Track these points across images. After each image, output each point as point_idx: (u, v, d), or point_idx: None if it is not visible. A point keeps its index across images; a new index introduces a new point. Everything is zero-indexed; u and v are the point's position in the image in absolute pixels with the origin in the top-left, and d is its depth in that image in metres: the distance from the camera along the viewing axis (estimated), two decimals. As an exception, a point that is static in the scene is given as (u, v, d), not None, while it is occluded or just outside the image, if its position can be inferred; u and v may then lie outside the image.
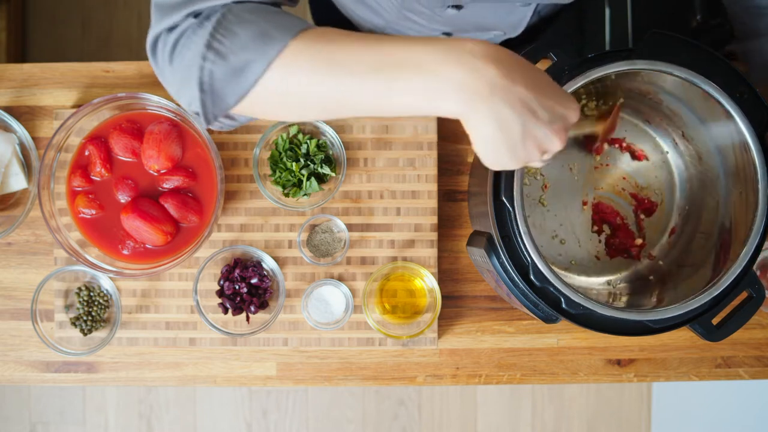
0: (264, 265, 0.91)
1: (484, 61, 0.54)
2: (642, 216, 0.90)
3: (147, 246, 0.88)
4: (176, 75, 0.61)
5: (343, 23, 1.08)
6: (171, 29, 0.61)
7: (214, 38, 0.58)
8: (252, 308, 0.90)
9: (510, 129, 0.55)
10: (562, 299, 0.72)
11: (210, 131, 0.91)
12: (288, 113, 0.63)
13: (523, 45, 1.03)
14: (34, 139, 0.94)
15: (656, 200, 0.90)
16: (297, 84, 0.58)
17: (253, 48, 0.57)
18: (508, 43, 0.97)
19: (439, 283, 0.91)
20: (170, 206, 0.87)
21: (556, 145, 0.58)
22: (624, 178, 0.90)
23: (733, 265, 0.73)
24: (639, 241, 0.89)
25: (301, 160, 0.90)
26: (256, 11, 0.60)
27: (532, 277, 0.72)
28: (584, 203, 0.90)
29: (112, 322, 0.93)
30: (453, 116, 0.56)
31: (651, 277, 0.87)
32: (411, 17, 0.86)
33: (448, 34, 0.89)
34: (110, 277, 0.91)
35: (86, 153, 0.89)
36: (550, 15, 0.97)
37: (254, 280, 0.91)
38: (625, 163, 0.90)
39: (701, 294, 0.72)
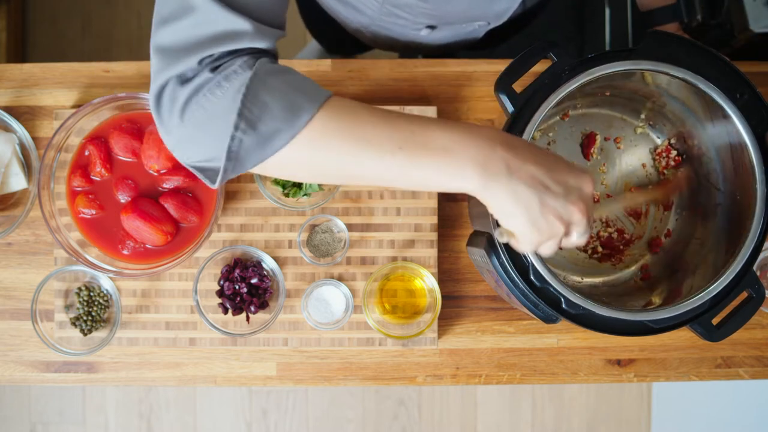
0: (264, 265, 0.91)
1: (498, 144, 0.59)
2: (632, 220, 0.90)
3: (147, 246, 0.88)
4: (185, 131, 0.59)
5: (330, 22, 1.08)
6: (183, 81, 0.58)
7: (245, 107, 0.57)
8: (252, 308, 0.90)
9: (527, 203, 0.59)
10: (562, 299, 0.72)
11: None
12: (300, 177, 0.63)
13: (507, 36, 1.03)
14: (34, 139, 0.94)
15: (648, 205, 0.90)
16: (319, 156, 0.59)
17: (281, 118, 0.58)
18: (492, 33, 0.97)
19: (439, 283, 0.91)
20: (170, 206, 0.87)
21: (575, 216, 0.60)
22: (625, 182, 0.90)
23: (733, 265, 0.73)
24: (622, 247, 0.89)
25: (301, 160, 0.90)
26: (279, 76, 0.59)
27: (532, 277, 0.72)
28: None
29: (112, 322, 0.93)
30: (472, 194, 0.60)
31: (648, 280, 0.87)
32: (395, 12, 0.86)
33: (432, 27, 0.90)
34: (110, 277, 0.91)
35: (86, 153, 0.89)
36: (534, 6, 0.97)
37: (254, 280, 0.91)
38: (624, 165, 0.90)
39: (701, 294, 0.72)
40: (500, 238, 0.64)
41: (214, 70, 0.58)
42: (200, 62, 0.58)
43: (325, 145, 0.58)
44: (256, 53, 0.60)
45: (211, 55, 0.58)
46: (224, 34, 0.58)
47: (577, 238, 0.63)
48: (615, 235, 0.89)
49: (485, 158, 0.58)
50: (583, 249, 0.90)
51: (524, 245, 0.62)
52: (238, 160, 0.59)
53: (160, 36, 0.59)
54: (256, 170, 0.61)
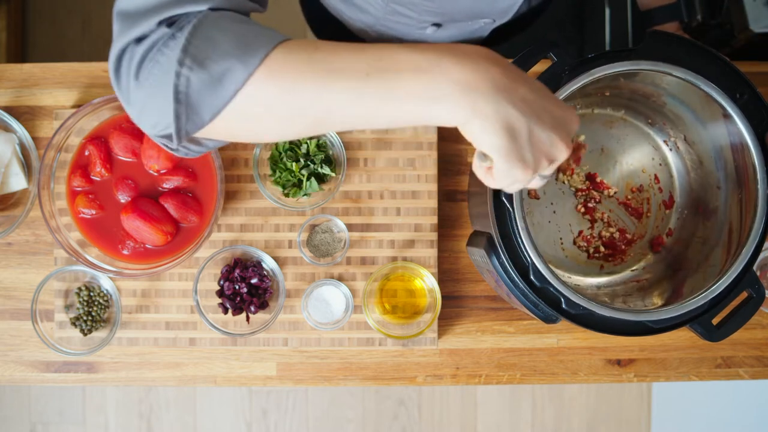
0: (264, 265, 0.91)
1: (484, 60, 0.52)
2: (634, 220, 0.90)
3: (147, 246, 0.88)
4: (142, 91, 0.55)
5: (333, 22, 1.08)
6: (139, 40, 0.55)
7: (190, 43, 0.53)
8: (252, 308, 0.90)
9: (517, 131, 0.51)
10: (562, 299, 0.72)
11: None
12: (268, 130, 0.56)
13: (513, 34, 1.03)
14: (34, 139, 0.94)
15: (650, 205, 0.90)
16: (280, 94, 0.53)
17: (233, 55, 0.52)
18: (497, 32, 0.97)
19: (439, 283, 0.91)
20: (170, 206, 0.87)
21: (561, 151, 0.54)
22: (626, 181, 0.90)
23: (733, 265, 0.73)
24: (623, 247, 0.89)
25: (301, 160, 0.90)
26: (234, 20, 0.55)
27: (532, 277, 0.72)
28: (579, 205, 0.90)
29: (112, 322, 0.93)
30: (453, 122, 0.52)
31: (648, 280, 0.87)
32: (400, 10, 0.86)
33: (437, 25, 0.89)
34: (110, 277, 0.91)
35: (86, 153, 0.89)
36: (539, 4, 0.97)
37: (254, 280, 0.91)
38: (625, 165, 0.90)
39: (701, 294, 0.72)
40: (478, 168, 0.56)
41: (170, 25, 0.54)
42: (159, 23, 0.54)
43: (284, 82, 0.52)
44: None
45: (171, 16, 0.54)
46: None
47: (540, 179, 0.57)
48: (617, 235, 0.89)
49: (469, 77, 0.50)
50: (585, 249, 0.90)
51: (501, 179, 0.55)
52: (190, 105, 0.53)
53: (122, 0, 0.56)
54: (217, 129, 0.56)
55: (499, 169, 0.54)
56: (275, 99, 0.53)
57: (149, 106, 0.55)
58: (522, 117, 0.51)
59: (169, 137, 0.56)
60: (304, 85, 0.52)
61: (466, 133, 0.52)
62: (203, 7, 0.55)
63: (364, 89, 0.52)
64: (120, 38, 0.55)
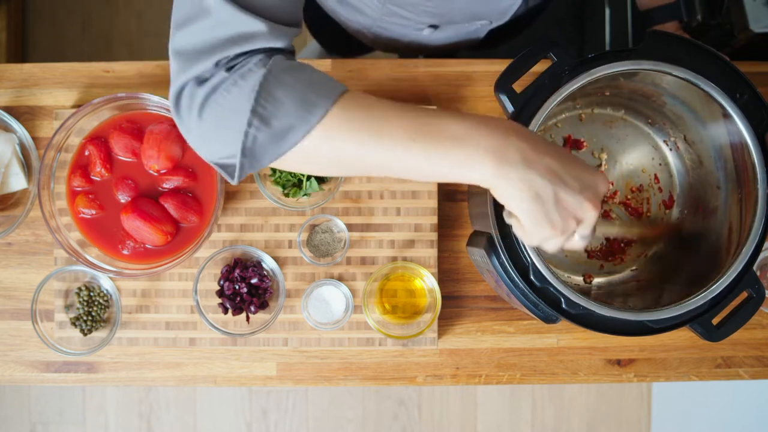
0: (264, 265, 0.91)
1: (514, 134, 0.58)
2: (634, 220, 0.90)
3: (147, 246, 0.88)
4: (204, 129, 0.61)
5: (331, 23, 1.08)
6: (200, 82, 0.60)
7: (258, 104, 0.58)
8: (252, 308, 0.90)
9: (542, 196, 0.57)
10: (562, 299, 0.72)
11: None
12: (315, 171, 0.64)
13: (509, 36, 1.03)
14: (34, 139, 0.94)
15: (650, 205, 0.90)
16: (333, 149, 0.59)
17: (295, 115, 0.58)
18: (494, 33, 0.97)
19: (439, 283, 0.90)
20: (170, 206, 0.87)
21: (589, 213, 0.59)
22: (626, 181, 0.90)
23: (733, 265, 0.73)
24: (623, 246, 0.89)
25: (301, 160, 0.90)
26: (293, 72, 0.60)
27: (532, 277, 0.72)
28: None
29: (112, 322, 0.93)
30: (485, 185, 0.58)
31: (648, 279, 0.87)
32: (397, 11, 0.86)
33: (434, 26, 0.89)
34: (110, 277, 0.91)
35: (86, 153, 0.89)
36: (537, 5, 0.97)
37: (254, 280, 0.91)
38: (625, 165, 0.90)
39: (701, 294, 0.72)
40: (507, 219, 0.63)
41: (229, 69, 0.59)
42: (216, 64, 0.59)
43: (338, 140, 0.59)
44: (271, 51, 0.61)
45: (227, 57, 0.59)
46: (239, 36, 0.59)
47: (580, 239, 0.62)
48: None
49: (500, 147, 0.57)
50: (585, 248, 0.90)
51: (532, 238, 0.61)
52: (253, 157, 0.60)
53: (177, 39, 0.61)
54: (274, 165, 0.62)
55: (527, 229, 0.60)
56: (327, 153, 0.60)
57: (211, 142, 0.61)
58: (548, 184, 0.57)
59: (225, 168, 0.63)
60: (354, 144, 0.59)
61: (497, 196, 0.59)
62: (255, 46, 0.60)
63: (408, 152, 0.58)
64: (179, 76, 0.61)
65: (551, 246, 0.62)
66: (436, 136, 0.58)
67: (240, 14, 0.58)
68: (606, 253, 0.89)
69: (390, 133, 0.58)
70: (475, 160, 0.57)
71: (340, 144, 0.59)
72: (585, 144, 0.90)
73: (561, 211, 0.59)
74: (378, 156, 0.59)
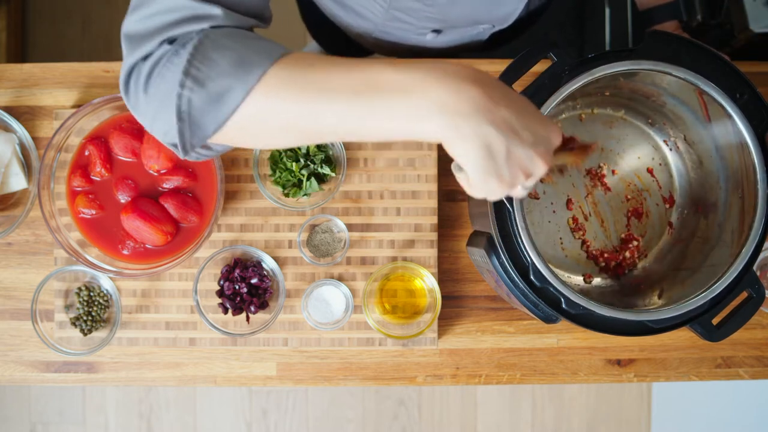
0: (264, 265, 0.91)
1: (467, 82, 0.54)
2: (634, 220, 0.90)
3: (147, 246, 0.88)
4: (151, 105, 0.59)
5: (331, 26, 1.08)
6: (145, 58, 0.58)
7: (191, 65, 0.56)
8: (252, 308, 0.90)
9: (495, 150, 0.54)
10: (562, 299, 0.72)
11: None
12: (267, 141, 0.60)
13: (511, 38, 1.03)
14: (34, 139, 0.94)
15: (649, 205, 0.90)
16: (276, 110, 0.56)
17: (232, 74, 0.56)
18: (496, 36, 0.97)
19: (439, 283, 0.90)
20: (170, 206, 0.87)
21: (540, 167, 0.57)
22: (626, 181, 0.90)
23: (733, 265, 0.73)
24: (607, 254, 0.89)
25: (301, 160, 0.90)
26: (234, 36, 0.58)
27: (532, 277, 0.72)
28: (578, 205, 0.90)
29: (112, 322, 0.93)
30: (435, 140, 0.55)
31: (648, 279, 0.87)
32: (400, 17, 0.86)
33: (437, 31, 0.89)
34: (110, 277, 0.91)
35: (86, 153, 0.89)
36: (538, 8, 0.97)
37: (254, 280, 0.91)
38: (625, 164, 0.90)
39: (701, 294, 0.72)
40: (455, 172, 0.59)
41: (172, 42, 0.58)
42: (161, 42, 0.58)
43: (279, 101, 0.56)
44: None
45: (173, 36, 0.58)
46: (190, 17, 0.57)
47: (522, 190, 0.60)
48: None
49: (451, 98, 0.53)
50: (585, 249, 0.90)
51: (477, 191, 0.58)
52: (193, 122, 0.57)
53: (128, 22, 0.59)
54: (222, 139, 0.59)
55: (474, 182, 0.57)
56: (271, 115, 0.56)
57: (158, 118, 0.59)
58: (500, 136, 0.54)
59: (175, 146, 0.60)
60: (297, 103, 0.55)
61: (447, 149, 0.55)
62: (204, 26, 0.58)
63: (351, 108, 0.55)
64: (128, 58, 0.59)
65: (494, 197, 0.59)
66: (381, 89, 0.54)
67: (193, 2, 0.57)
68: (614, 268, 0.89)
69: (333, 88, 0.55)
70: (424, 112, 0.53)
71: (282, 105, 0.56)
72: None
73: (511, 166, 0.55)
74: (322, 115, 0.55)
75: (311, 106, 0.55)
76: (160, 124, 0.59)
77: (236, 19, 0.59)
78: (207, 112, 0.57)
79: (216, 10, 0.57)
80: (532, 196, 0.89)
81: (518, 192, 0.59)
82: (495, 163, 0.55)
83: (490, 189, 0.57)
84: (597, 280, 0.89)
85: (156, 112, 0.59)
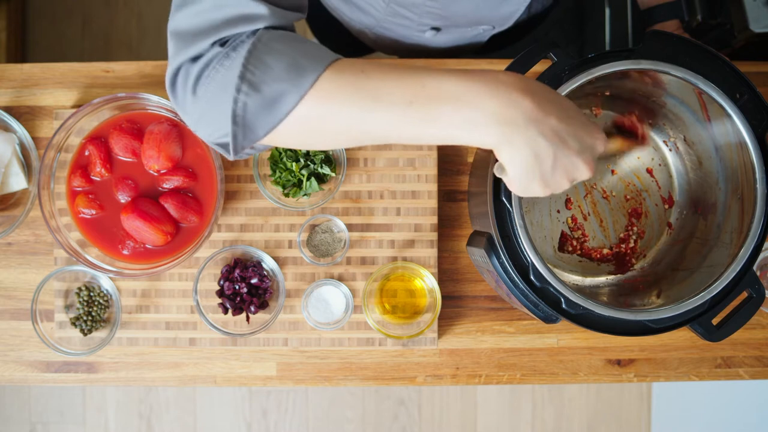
0: (264, 265, 0.91)
1: (519, 93, 0.56)
2: (633, 219, 0.90)
3: (147, 246, 0.88)
4: (199, 106, 0.60)
5: (333, 23, 1.08)
6: (194, 59, 0.59)
7: (247, 69, 0.57)
8: (252, 308, 0.90)
9: (543, 158, 0.57)
10: (562, 299, 0.72)
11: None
12: (316, 143, 0.62)
13: (511, 41, 1.03)
14: (34, 139, 0.94)
15: (648, 205, 0.90)
16: (329, 116, 0.57)
17: (286, 79, 0.56)
18: (496, 39, 0.97)
19: (439, 283, 0.91)
20: (170, 206, 0.87)
21: (584, 174, 0.60)
22: (625, 182, 0.90)
23: (733, 265, 0.73)
24: (606, 251, 0.89)
25: (301, 160, 0.90)
26: (285, 40, 0.59)
27: (532, 277, 0.72)
28: (576, 205, 0.90)
29: (112, 322, 0.93)
30: (488, 147, 0.57)
31: (647, 279, 0.87)
32: (401, 12, 0.86)
33: (437, 29, 0.89)
34: (110, 277, 0.91)
35: (86, 153, 0.89)
36: (539, 12, 0.97)
37: (254, 280, 0.91)
38: (625, 164, 0.90)
39: (701, 294, 0.72)
40: (498, 173, 0.62)
41: (223, 44, 0.58)
42: (213, 43, 0.58)
43: (333, 105, 0.57)
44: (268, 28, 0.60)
45: (224, 37, 0.58)
46: (238, 17, 0.58)
47: (561, 191, 0.62)
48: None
49: (503, 108, 0.55)
50: (595, 256, 0.90)
51: (521, 192, 0.61)
52: (246, 126, 0.58)
53: (176, 20, 0.60)
54: (270, 141, 0.60)
55: (518, 185, 0.60)
56: (324, 120, 0.58)
57: (206, 119, 0.60)
58: (549, 145, 0.57)
59: (224, 146, 0.61)
60: (350, 109, 0.57)
61: (496, 154, 0.58)
62: (255, 27, 0.58)
63: (406, 116, 0.56)
64: (176, 57, 0.59)
65: (533, 194, 0.61)
66: (435, 98, 0.56)
67: None
68: (618, 263, 0.89)
69: (387, 95, 0.56)
70: (477, 122, 0.55)
71: (336, 110, 0.57)
72: None
73: (557, 173, 0.58)
74: (375, 121, 0.57)
75: (364, 113, 0.57)
76: (209, 125, 0.60)
77: (281, 15, 0.60)
78: (261, 116, 0.58)
79: (262, 9, 0.58)
80: None
81: (558, 193, 0.62)
82: (541, 170, 0.58)
83: (533, 190, 0.60)
84: (597, 280, 0.89)
85: (203, 113, 0.59)
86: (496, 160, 0.61)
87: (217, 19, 0.58)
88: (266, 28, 0.59)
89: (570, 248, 0.89)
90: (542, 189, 0.60)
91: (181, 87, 0.60)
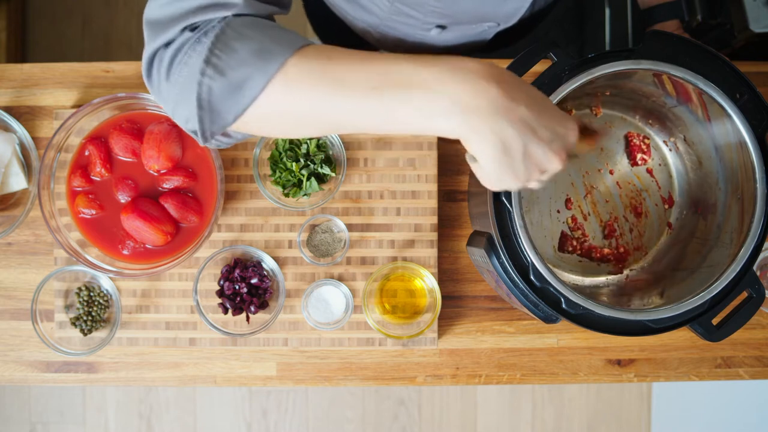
0: (264, 265, 0.91)
1: (486, 80, 0.54)
2: (633, 219, 0.90)
3: (147, 246, 0.88)
4: (173, 91, 0.59)
5: (336, 22, 1.08)
6: (167, 45, 0.59)
7: (212, 53, 0.57)
8: (252, 308, 0.90)
9: (511, 148, 0.55)
10: (562, 299, 0.72)
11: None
12: (285, 130, 0.61)
13: (515, 38, 1.03)
14: (34, 139, 0.94)
15: (648, 205, 0.90)
16: (295, 101, 0.57)
17: (252, 64, 0.56)
18: (500, 36, 0.97)
19: (439, 283, 0.91)
20: (170, 206, 0.87)
21: (555, 164, 0.58)
22: (625, 181, 0.90)
23: (733, 265, 0.73)
24: (606, 250, 0.89)
25: (301, 160, 0.90)
26: (255, 26, 0.59)
27: (532, 277, 0.72)
28: (574, 206, 0.90)
29: (112, 322, 0.93)
30: (453, 136, 0.55)
31: (647, 279, 0.87)
32: (405, 11, 0.86)
33: (442, 27, 0.89)
34: (110, 277, 0.91)
35: (86, 153, 0.89)
36: (543, 8, 0.97)
37: (254, 280, 0.91)
38: (624, 164, 0.90)
39: (701, 294, 0.72)
40: (470, 162, 0.61)
41: (194, 29, 0.59)
42: (183, 29, 0.58)
43: (299, 92, 0.56)
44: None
45: (195, 23, 0.58)
46: (210, 4, 0.58)
47: (536, 183, 0.61)
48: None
49: (469, 95, 0.53)
50: (594, 255, 0.90)
51: (492, 184, 0.60)
52: (212, 110, 0.58)
53: (150, 9, 0.60)
54: (242, 128, 0.60)
55: (490, 176, 0.58)
56: (290, 105, 0.57)
57: (180, 105, 0.60)
58: (518, 135, 0.55)
59: (195, 133, 0.61)
60: (316, 94, 0.56)
61: (464, 144, 0.56)
62: (226, 13, 0.58)
63: (370, 102, 0.55)
64: (150, 44, 0.60)
65: (507, 188, 0.60)
66: (400, 84, 0.55)
67: None
68: (617, 259, 0.89)
69: (351, 81, 0.55)
70: (442, 109, 0.54)
71: (301, 96, 0.56)
72: None
73: (527, 163, 0.57)
74: (340, 108, 0.56)
75: (329, 99, 0.56)
76: (182, 111, 0.60)
77: (256, 6, 0.60)
78: (227, 101, 0.57)
79: None
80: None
81: (532, 185, 0.61)
82: (511, 160, 0.56)
83: (505, 183, 0.58)
84: (597, 280, 0.89)
85: (177, 98, 0.59)
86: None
87: (189, 7, 0.58)
88: (239, 15, 0.59)
89: (570, 248, 0.89)
90: (513, 181, 0.58)
91: (155, 73, 0.60)
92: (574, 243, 0.89)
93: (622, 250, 0.89)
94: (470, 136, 0.55)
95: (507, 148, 0.55)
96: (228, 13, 0.58)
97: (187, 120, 0.60)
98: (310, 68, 0.56)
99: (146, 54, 0.60)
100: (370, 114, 0.56)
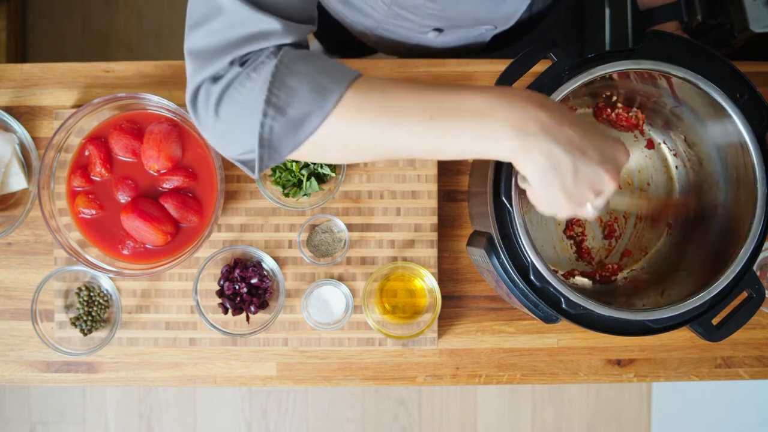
0: (264, 265, 0.91)
1: (533, 105, 0.57)
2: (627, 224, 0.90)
3: (147, 246, 0.88)
4: (221, 126, 0.61)
5: (334, 25, 1.08)
6: (215, 80, 0.60)
7: (272, 93, 0.58)
8: (252, 308, 0.90)
9: (562, 168, 0.58)
10: (562, 299, 0.72)
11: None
12: (339, 159, 0.63)
13: (514, 41, 1.03)
14: (34, 139, 0.94)
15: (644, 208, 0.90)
16: (352, 134, 0.59)
17: (310, 102, 0.58)
18: (498, 38, 0.97)
19: (439, 283, 0.90)
20: (170, 206, 0.87)
21: (608, 184, 0.60)
22: (625, 182, 0.90)
23: (733, 265, 0.73)
24: (606, 250, 0.89)
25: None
26: (305, 61, 0.60)
27: (532, 277, 0.72)
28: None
29: (112, 322, 0.93)
30: (506, 159, 0.58)
31: (647, 279, 0.87)
32: (402, 14, 0.86)
33: (439, 30, 0.89)
34: (110, 277, 0.91)
35: (86, 153, 0.89)
36: (541, 10, 0.97)
37: (254, 280, 0.91)
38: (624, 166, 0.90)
39: (701, 294, 0.72)
40: (521, 184, 0.63)
41: (243, 64, 0.59)
42: (231, 62, 0.59)
43: (356, 124, 0.59)
44: (284, 45, 0.61)
45: (240, 55, 0.59)
46: (254, 35, 0.59)
47: (593, 209, 0.62)
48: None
49: (520, 120, 0.57)
50: (584, 249, 0.90)
51: (545, 207, 0.62)
52: (272, 148, 0.60)
53: (192, 40, 0.61)
54: (293, 156, 0.62)
55: (542, 197, 0.61)
56: (346, 138, 0.60)
57: (229, 138, 0.61)
58: (566, 154, 0.57)
59: (246, 163, 0.63)
60: (373, 127, 0.59)
61: (517, 166, 0.59)
62: (270, 43, 0.59)
63: (428, 131, 0.58)
64: (195, 76, 0.61)
65: (563, 214, 0.62)
66: (455, 113, 0.58)
67: (254, 13, 0.58)
68: (603, 279, 0.89)
69: (408, 113, 0.58)
70: (496, 134, 0.57)
71: (358, 129, 0.59)
72: None
73: (579, 183, 0.59)
74: (398, 138, 0.59)
75: (385, 130, 0.58)
76: (235, 147, 0.61)
77: (295, 29, 0.61)
78: (286, 138, 0.59)
79: (275, 24, 0.59)
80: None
81: (588, 212, 0.62)
82: (562, 179, 0.58)
83: (559, 205, 0.60)
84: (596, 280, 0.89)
85: (225, 132, 0.61)
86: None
87: (233, 38, 0.59)
88: (283, 45, 0.61)
89: (570, 248, 0.89)
90: (567, 202, 0.60)
91: (202, 106, 0.61)
92: (574, 243, 0.89)
93: (609, 269, 0.89)
94: (521, 158, 0.58)
95: (556, 166, 0.57)
96: (271, 42, 0.60)
97: (234, 152, 0.62)
98: (366, 102, 0.59)
99: (191, 86, 0.61)
100: (426, 143, 0.58)
